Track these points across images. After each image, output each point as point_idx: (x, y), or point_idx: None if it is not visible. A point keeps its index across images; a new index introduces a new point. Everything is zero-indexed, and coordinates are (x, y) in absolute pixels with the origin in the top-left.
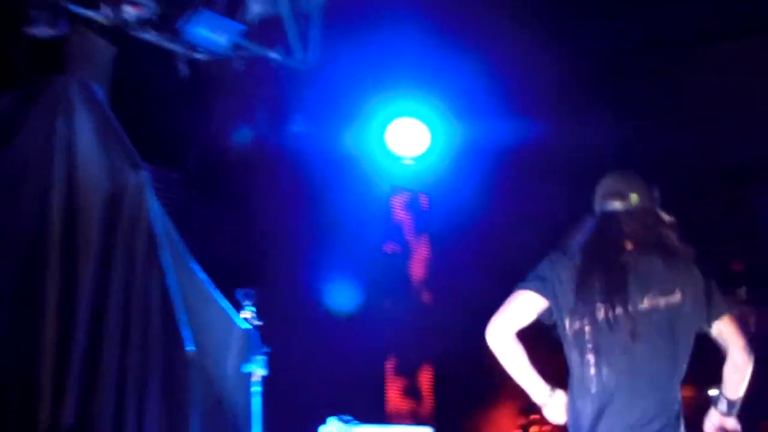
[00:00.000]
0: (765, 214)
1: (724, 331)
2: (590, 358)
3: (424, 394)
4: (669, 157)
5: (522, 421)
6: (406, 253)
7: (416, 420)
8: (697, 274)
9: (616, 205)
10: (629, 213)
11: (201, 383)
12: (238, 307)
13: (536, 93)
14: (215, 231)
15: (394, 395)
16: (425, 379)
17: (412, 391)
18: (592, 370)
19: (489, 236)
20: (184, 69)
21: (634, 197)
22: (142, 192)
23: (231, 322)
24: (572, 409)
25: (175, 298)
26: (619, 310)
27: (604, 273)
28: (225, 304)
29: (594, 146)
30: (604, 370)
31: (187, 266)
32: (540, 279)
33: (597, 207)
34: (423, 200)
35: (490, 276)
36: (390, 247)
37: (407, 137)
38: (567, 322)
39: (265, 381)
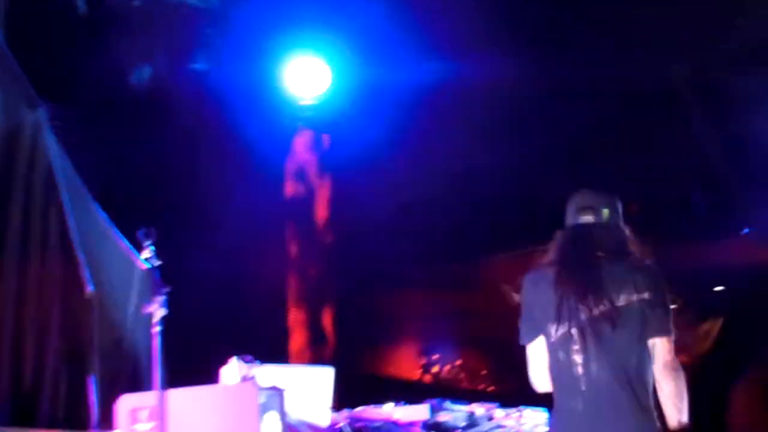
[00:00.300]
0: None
1: (657, 346)
2: (577, 358)
3: (326, 334)
4: (587, 95)
5: (423, 361)
6: (308, 193)
7: (318, 360)
8: (655, 283)
9: (589, 218)
10: (600, 225)
11: (101, 323)
12: (139, 247)
13: (447, 32)
14: (114, 169)
15: (296, 336)
16: (327, 320)
17: (314, 332)
18: (581, 370)
19: (393, 179)
20: (82, 5)
21: (605, 212)
22: (40, 130)
23: (131, 262)
24: (560, 411)
25: (75, 238)
26: (600, 307)
27: (582, 277)
28: (125, 243)
29: (508, 89)
30: (593, 367)
31: (86, 205)
32: (530, 327)
33: (570, 220)
34: (326, 141)
35: (392, 219)
36: (292, 188)
37: (309, 76)
38: (552, 330)
39: (166, 321)
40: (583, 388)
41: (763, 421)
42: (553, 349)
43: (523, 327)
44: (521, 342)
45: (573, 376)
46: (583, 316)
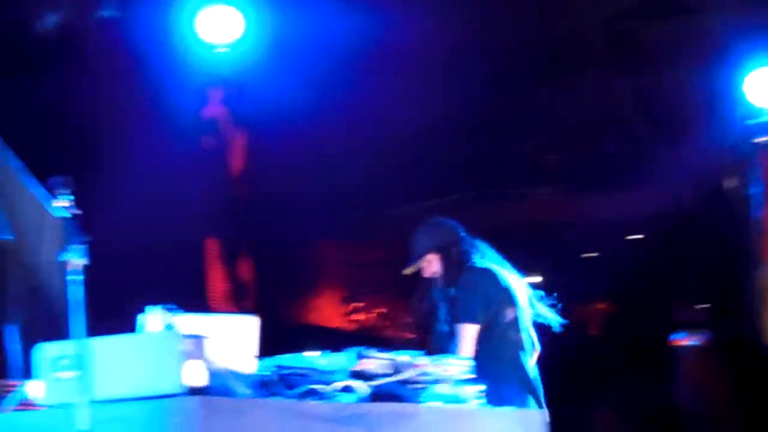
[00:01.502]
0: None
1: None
2: (520, 336)
3: (247, 284)
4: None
5: (347, 308)
6: (222, 145)
7: (240, 311)
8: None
9: None
10: None
11: (15, 271)
12: (54, 195)
13: None
14: (27, 116)
15: (215, 286)
16: (245, 270)
17: (235, 281)
18: (523, 346)
19: (308, 129)
20: None
21: None
22: None
23: (44, 210)
24: (511, 384)
25: None
26: (526, 294)
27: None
28: (39, 191)
29: (429, 41)
30: (527, 345)
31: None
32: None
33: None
34: (239, 92)
35: (306, 169)
36: (207, 141)
37: (220, 24)
38: (506, 314)
39: (86, 270)
40: (527, 363)
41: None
42: (501, 330)
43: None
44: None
45: (519, 353)
46: (521, 301)
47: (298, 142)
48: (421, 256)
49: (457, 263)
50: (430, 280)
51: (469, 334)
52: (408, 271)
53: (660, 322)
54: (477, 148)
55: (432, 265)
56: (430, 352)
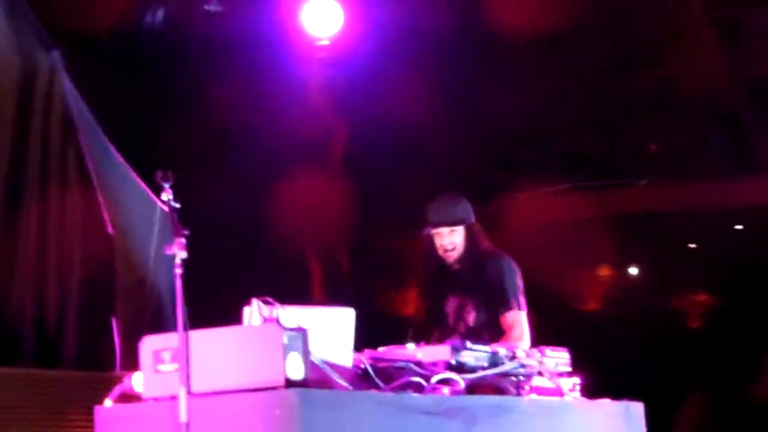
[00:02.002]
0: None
1: None
2: None
3: (345, 276)
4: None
5: None
6: (325, 135)
7: (338, 302)
8: None
9: None
10: None
11: (123, 264)
12: (157, 189)
13: None
14: (130, 113)
15: (315, 278)
16: (345, 261)
17: (334, 274)
18: None
19: (409, 120)
20: None
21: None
22: (55, 73)
23: (152, 203)
24: None
25: (94, 180)
26: None
27: None
28: (144, 185)
29: (532, 28)
30: None
31: (103, 147)
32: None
33: None
34: (341, 82)
35: (409, 159)
36: (308, 130)
37: (322, 17)
38: None
39: (186, 263)
40: None
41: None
42: None
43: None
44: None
45: None
46: None
47: (399, 132)
48: (458, 222)
49: (476, 243)
50: (432, 259)
51: (526, 320)
52: (437, 230)
53: (763, 316)
54: (581, 137)
55: (455, 237)
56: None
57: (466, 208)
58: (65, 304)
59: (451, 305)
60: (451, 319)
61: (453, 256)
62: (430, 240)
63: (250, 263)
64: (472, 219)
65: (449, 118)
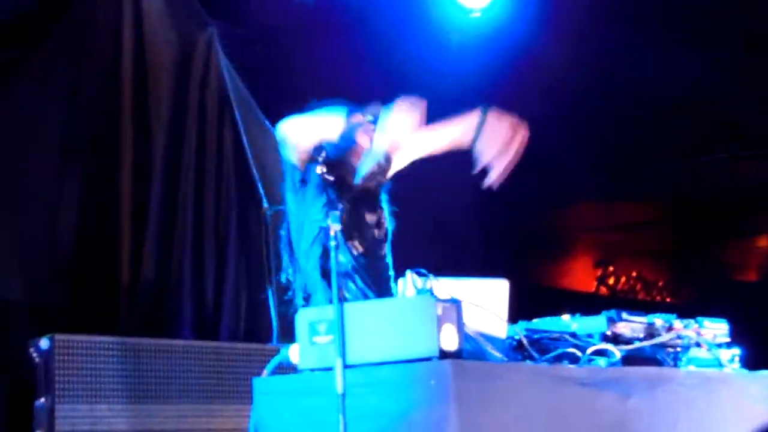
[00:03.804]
0: None
1: None
2: None
3: (500, 244)
4: None
5: (599, 272)
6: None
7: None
8: None
9: None
10: None
11: (276, 237)
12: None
13: None
14: (281, 89)
15: (469, 248)
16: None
17: (488, 244)
18: None
19: (561, 90)
20: None
21: None
22: (211, 49)
23: None
24: None
25: (248, 155)
26: None
27: None
28: None
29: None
30: None
31: (258, 122)
32: None
33: None
34: (490, 55)
35: (566, 129)
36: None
37: None
38: None
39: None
40: None
41: None
42: None
43: None
44: None
45: None
46: None
47: (557, 103)
48: None
49: None
50: None
51: None
52: None
53: None
54: (736, 108)
55: None
56: None
57: None
58: (222, 279)
59: None
60: None
61: None
62: None
63: (403, 234)
64: None
65: (601, 87)
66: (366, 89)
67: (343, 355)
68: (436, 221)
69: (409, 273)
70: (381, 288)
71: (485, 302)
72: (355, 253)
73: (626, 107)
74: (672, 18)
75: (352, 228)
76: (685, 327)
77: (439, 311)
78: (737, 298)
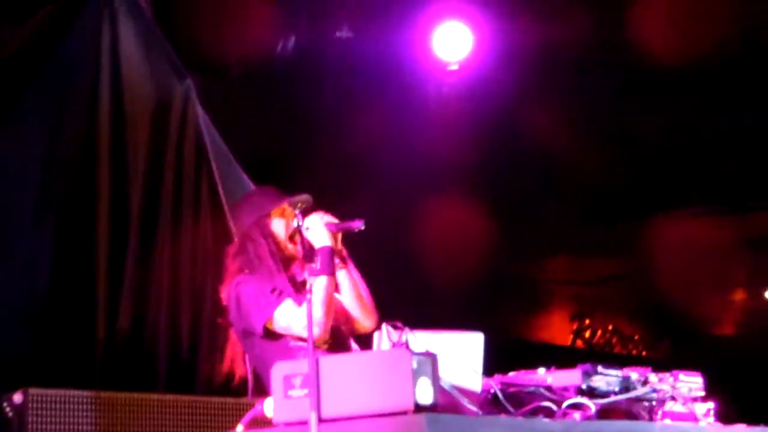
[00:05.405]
0: None
1: None
2: None
3: (476, 300)
4: None
5: (575, 326)
6: (460, 160)
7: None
8: None
9: None
10: None
11: None
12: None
13: None
14: (263, 140)
15: (446, 301)
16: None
17: (465, 298)
18: None
19: (540, 141)
20: None
21: None
22: (189, 102)
23: None
24: None
25: (226, 209)
26: None
27: None
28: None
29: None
30: None
31: (236, 176)
32: None
33: None
34: (468, 107)
35: (542, 183)
36: (443, 155)
37: (452, 41)
38: None
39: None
40: None
41: None
42: None
43: None
44: None
45: None
46: None
47: (533, 157)
48: None
49: None
50: None
51: None
52: None
53: None
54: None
55: None
56: None
57: None
58: (198, 330)
59: None
60: None
61: None
62: None
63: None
64: None
65: (583, 141)
66: (351, 138)
67: (318, 409)
68: (412, 274)
69: (384, 326)
70: None
71: (460, 355)
72: None
73: (605, 160)
74: (652, 72)
75: None
76: (661, 381)
77: (415, 365)
78: (712, 352)
